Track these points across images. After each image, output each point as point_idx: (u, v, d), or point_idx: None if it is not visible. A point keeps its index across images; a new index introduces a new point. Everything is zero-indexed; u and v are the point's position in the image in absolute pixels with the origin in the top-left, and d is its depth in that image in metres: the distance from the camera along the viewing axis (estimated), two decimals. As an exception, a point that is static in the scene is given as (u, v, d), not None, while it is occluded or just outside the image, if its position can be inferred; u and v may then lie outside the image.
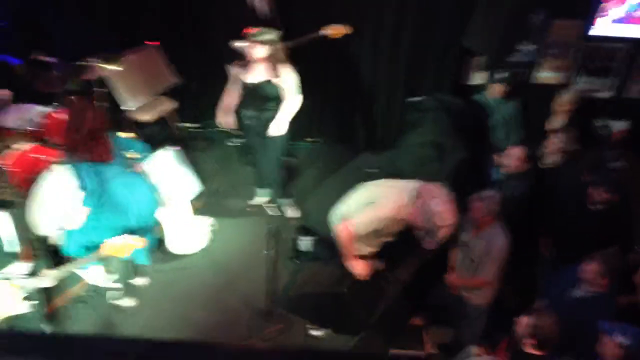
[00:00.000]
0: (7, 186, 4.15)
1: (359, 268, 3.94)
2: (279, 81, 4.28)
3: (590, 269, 3.43)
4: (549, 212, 4.37)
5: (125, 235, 3.29)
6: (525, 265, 4.58)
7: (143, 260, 4.11)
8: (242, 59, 4.53)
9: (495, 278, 3.91)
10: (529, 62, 5.62)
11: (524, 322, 3.03)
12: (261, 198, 5.35)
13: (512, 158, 4.42)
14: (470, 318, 4.22)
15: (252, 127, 3.92)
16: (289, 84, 4.30)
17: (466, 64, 5.75)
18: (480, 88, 5.66)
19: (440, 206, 3.59)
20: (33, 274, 3.28)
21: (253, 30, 4.32)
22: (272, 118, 4.47)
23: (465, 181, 4.94)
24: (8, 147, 4.40)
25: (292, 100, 4.31)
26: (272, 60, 4.24)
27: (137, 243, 3.30)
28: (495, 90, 5.28)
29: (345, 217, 3.86)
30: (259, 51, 4.21)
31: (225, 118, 4.79)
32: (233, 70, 4.85)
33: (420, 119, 5.49)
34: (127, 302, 4.28)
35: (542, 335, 2.96)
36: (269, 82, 4.34)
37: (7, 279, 3.02)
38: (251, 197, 5.42)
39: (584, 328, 3.16)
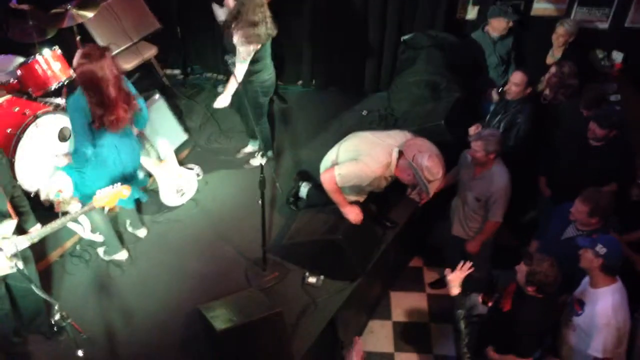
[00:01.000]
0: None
1: (352, 214, 3.90)
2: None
3: (578, 209, 3.38)
4: (549, 149, 4.27)
5: (116, 184, 3.19)
6: (525, 204, 4.54)
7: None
8: None
9: (502, 217, 3.90)
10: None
11: (522, 270, 3.02)
12: (251, 146, 5.23)
13: (514, 84, 4.32)
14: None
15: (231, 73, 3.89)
16: (237, 52, 4.26)
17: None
18: (476, 23, 5.44)
19: (428, 160, 3.51)
20: (21, 231, 3.20)
21: None
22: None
23: (461, 119, 4.82)
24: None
25: (237, 69, 4.30)
26: (234, 24, 4.24)
27: (126, 191, 3.21)
28: (496, 26, 5.06)
29: (331, 166, 3.78)
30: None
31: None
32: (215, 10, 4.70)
33: (414, 58, 5.30)
34: (121, 255, 4.22)
35: (539, 281, 2.96)
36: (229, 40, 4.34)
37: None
38: (245, 144, 5.29)
39: (578, 268, 3.13)
